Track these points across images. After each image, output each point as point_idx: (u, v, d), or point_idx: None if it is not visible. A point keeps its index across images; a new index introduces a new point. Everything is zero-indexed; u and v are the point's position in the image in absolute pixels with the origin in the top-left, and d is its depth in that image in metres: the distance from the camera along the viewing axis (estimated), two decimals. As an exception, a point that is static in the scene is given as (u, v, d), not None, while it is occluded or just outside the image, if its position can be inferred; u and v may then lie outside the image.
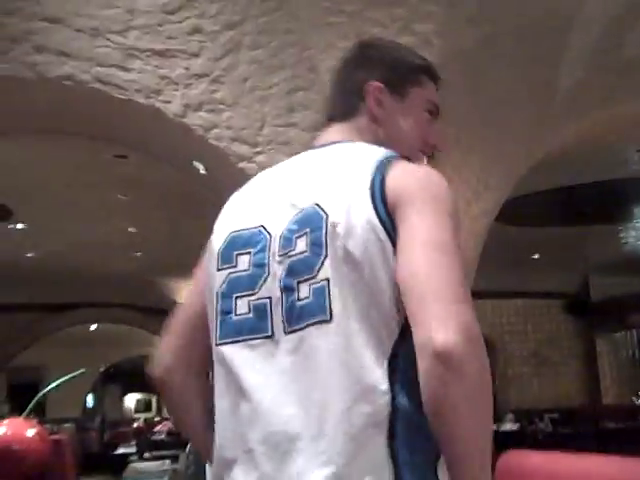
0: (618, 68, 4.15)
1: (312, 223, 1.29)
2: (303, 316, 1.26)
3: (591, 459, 2.11)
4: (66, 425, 12.20)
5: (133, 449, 8.37)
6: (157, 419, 17.14)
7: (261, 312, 1.32)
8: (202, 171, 3.97)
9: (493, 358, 12.66)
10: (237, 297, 1.35)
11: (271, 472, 1.23)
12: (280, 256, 1.32)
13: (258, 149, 3.56)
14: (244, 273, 1.36)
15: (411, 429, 1.20)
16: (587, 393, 12.78)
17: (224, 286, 1.38)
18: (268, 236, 1.35)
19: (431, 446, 1.19)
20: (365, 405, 1.20)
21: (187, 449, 3.89)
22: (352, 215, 1.25)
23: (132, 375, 15.74)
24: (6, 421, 3.31)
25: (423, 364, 1.13)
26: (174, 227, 8.45)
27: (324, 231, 1.27)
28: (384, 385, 1.20)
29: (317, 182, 1.35)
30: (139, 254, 10.33)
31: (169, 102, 3.55)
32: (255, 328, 1.32)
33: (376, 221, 1.24)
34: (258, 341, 1.31)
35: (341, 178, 1.32)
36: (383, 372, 1.21)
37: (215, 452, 1.35)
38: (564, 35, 3.95)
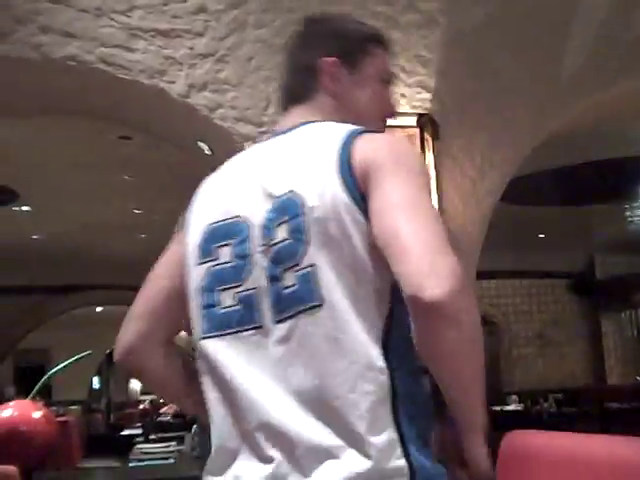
0: (624, 49, 4.12)
1: (290, 210, 1.28)
2: (292, 304, 1.26)
3: (596, 439, 2.11)
4: (72, 407, 12.28)
5: (139, 431, 8.41)
6: (163, 401, 17.23)
7: (249, 303, 1.31)
8: (207, 151, 3.97)
9: (497, 338, 12.68)
10: (221, 290, 1.34)
11: (277, 460, 1.23)
12: (262, 246, 1.30)
13: (263, 129, 3.55)
14: (227, 265, 1.34)
15: (408, 403, 1.23)
16: (592, 373, 12.79)
17: (205, 280, 1.37)
18: (248, 226, 1.33)
19: (425, 418, 1.25)
20: (367, 384, 1.21)
21: (193, 431, 3.91)
22: (326, 197, 1.25)
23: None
24: (13, 403, 3.33)
25: (419, 318, 1.15)
26: (179, 208, 8.44)
27: (303, 217, 1.26)
28: (382, 362, 1.22)
29: (289, 168, 1.33)
30: (144, 236, 10.33)
31: (173, 82, 3.54)
32: (244, 320, 1.31)
33: (348, 200, 1.25)
34: (248, 332, 1.30)
35: (311, 160, 1.31)
36: (379, 349, 1.23)
37: (215, 441, 1.34)
38: (569, 15, 3.93)
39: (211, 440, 1.35)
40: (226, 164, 1.51)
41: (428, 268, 1.14)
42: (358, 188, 1.26)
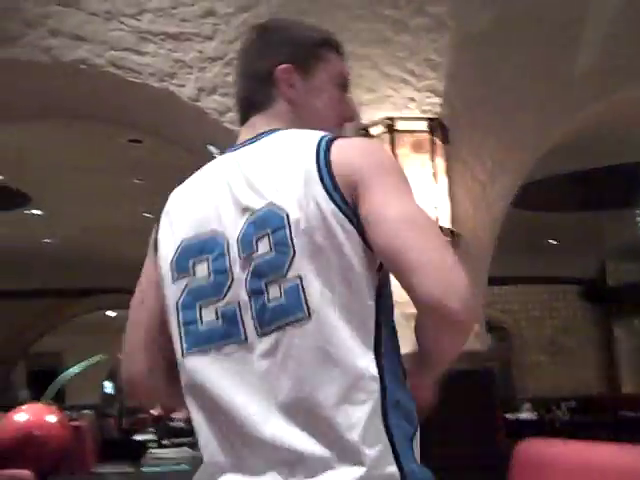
0: (635, 50, 4.09)
1: (272, 223, 1.27)
2: (277, 317, 1.25)
3: (610, 448, 2.09)
4: (85, 412, 12.26)
5: (152, 436, 8.41)
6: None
7: (230, 318, 1.29)
8: (216, 155, 3.96)
9: (509, 345, 12.62)
10: (201, 306, 1.32)
11: (269, 474, 1.22)
12: (242, 260, 1.29)
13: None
14: (205, 281, 1.33)
15: (395, 407, 1.24)
16: (605, 381, 12.71)
17: (184, 297, 1.35)
18: (224, 241, 1.32)
19: (411, 422, 1.27)
20: (359, 394, 1.21)
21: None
22: (310, 207, 1.25)
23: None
24: (26, 407, 3.32)
25: (438, 328, 1.24)
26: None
27: (286, 229, 1.25)
28: (374, 370, 1.22)
29: (264, 179, 1.31)
30: (154, 240, 10.33)
31: (183, 86, 3.54)
32: (226, 334, 1.29)
33: (335, 209, 1.25)
34: (231, 347, 1.29)
35: (287, 170, 1.29)
36: (371, 357, 1.23)
37: (205, 457, 1.31)
38: (581, 16, 3.90)
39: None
40: (193, 176, 1.48)
41: (447, 282, 1.20)
42: (342, 197, 1.25)
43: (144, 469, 3.38)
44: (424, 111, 3.56)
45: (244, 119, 1.49)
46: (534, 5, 3.81)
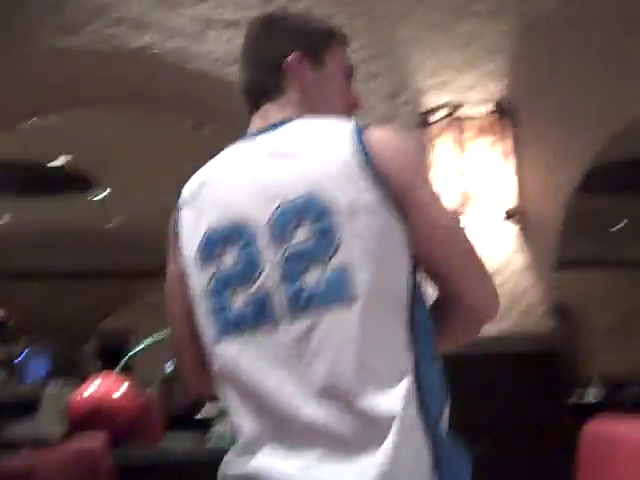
0: None
1: (311, 211, 1.28)
2: (314, 302, 1.26)
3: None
4: (152, 387, 12.49)
5: (217, 412, 8.50)
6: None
7: (261, 303, 1.30)
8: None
9: (575, 328, 12.45)
10: (231, 293, 1.33)
11: (307, 454, 1.23)
12: (274, 246, 1.30)
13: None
14: (234, 268, 1.33)
15: (428, 391, 1.28)
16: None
17: (212, 284, 1.36)
18: (252, 228, 1.32)
19: (441, 401, 1.32)
20: (394, 379, 1.24)
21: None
22: (353, 196, 1.27)
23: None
24: (99, 378, 3.38)
25: (475, 325, 1.46)
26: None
27: (331, 217, 1.26)
28: (411, 354, 1.28)
29: (297, 167, 1.32)
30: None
31: (244, 73, 3.53)
32: (257, 320, 1.31)
33: (377, 198, 1.27)
34: (261, 332, 1.30)
35: (323, 159, 1.30)
36: (408, 344, 1.28)
37: (240, 438, 1.33)
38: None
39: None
40: (210, 165, 1.48)
41: (489, 291, 1.42)
42: (383, 187, 1.28)
43: (209, 445, 3.41)
44: (489, 95, 3.50)
45: (254, 108, 1.49)
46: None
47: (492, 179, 3.36)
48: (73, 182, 8.45)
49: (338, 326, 1.25)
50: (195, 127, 6.29)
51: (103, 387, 3.28)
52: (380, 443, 1.20)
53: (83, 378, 3.50)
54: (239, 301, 1.32)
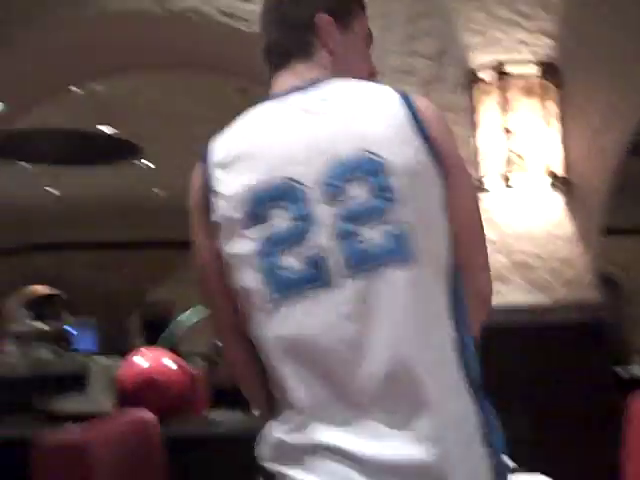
0: None
1: (366, 169, 1.28)
2: (369, 261, 1.26)
3: None
4: (196, 360, 12.60)
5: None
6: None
7: (315, 262, 1.28)
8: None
9: (618, 297, 12.28)
10: (282, 253, 1.30)
11: (365, 427, 1.24)
12: (326, 204, 1.28)
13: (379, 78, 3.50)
14: (283, 227, 1.30)
15: (470, 358, 1.32)
16: None
17: (260, 245, 1.31)
18: (301, 185, 1.30)
19: (478, 372, 1.33)
20: (444, 345, 1.28)
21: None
22: (409, 156, 1.29)
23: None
24: (147, 351, 3.41)
25: (477, 305, 1.41)
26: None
27: (387, 176, 1.27)
28: (452, 322, 1.30)
29: (347, 125, 1.32)
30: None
31: (290, 33, 3.52)
32: (311, 279, 1.28)
33: (429, 161, 1.30)
34: (314, 292, 1.27)
35: (375, 119, 1.32)
36: (449, 312, 1.30)
37: (292, 402, 1.29)
38: None
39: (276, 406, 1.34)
40: (240, 125, 1.45)
41: (489, 276, 1.47)
42: (436, 153, 1.31)
43: (254, 417, 3.44)
44: (536, 54, 3.44)
45: (278, 68, 1.49)
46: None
47: (538, 141, 3.31)
48: (119, 151, 8.52)
49: (394, 286, 1.25)
50: (238, 90, 6.28)
51: (153, 362, 3.29)
52: (430, 407, 1.22)
53: (128, 351, 3.51)
54: (292, 261, 1.29)
